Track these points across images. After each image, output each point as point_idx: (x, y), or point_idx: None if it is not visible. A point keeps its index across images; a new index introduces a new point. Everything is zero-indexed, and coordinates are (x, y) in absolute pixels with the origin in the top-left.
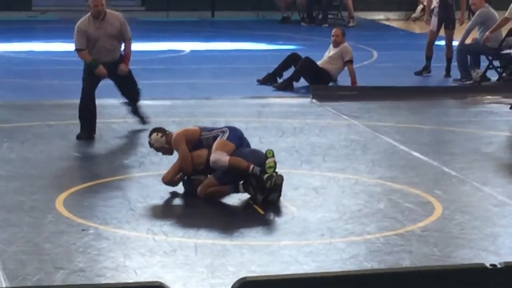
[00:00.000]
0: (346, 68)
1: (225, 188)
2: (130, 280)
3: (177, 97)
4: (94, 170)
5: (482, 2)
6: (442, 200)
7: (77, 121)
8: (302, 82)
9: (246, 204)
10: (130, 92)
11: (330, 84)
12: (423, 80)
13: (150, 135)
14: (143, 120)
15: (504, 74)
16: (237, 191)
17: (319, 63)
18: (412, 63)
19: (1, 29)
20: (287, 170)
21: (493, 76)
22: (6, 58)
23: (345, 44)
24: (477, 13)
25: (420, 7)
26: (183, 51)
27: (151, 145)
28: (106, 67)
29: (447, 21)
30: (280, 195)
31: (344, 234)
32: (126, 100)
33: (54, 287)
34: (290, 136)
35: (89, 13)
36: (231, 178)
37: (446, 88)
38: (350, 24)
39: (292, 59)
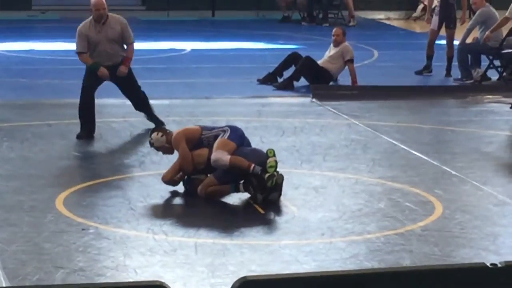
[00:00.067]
0: (346, 67)
1: (225, 188)
2: (130, 279)
3: (177, 96)
4: (94, 170)
5: (483, 1)
6: (443, 200)
7: (77, 121)
8: (303, 81)
9: (247, 204)
10: (133, 95)
11: (331, 83)
12: (424, 80)
13: (150, 134)
14: (161, 123)
15: (504, 74)
16: (237, 190)
17: (319, 62)
18: (412, 63)
19: (1, 29)
20: (287, 169)
21: (493, 75)
22: (6, 58)
23: (346, 43)
24: (477, 12)
25: (420, 6)
26: (183, 50)
27: (151, 144)
28: (108, 70)
29: (448, 20)
30: (280, 194)
31: (344, 233)
32: (139, 111)
33: (54, 286)
34: (290, 136)
35: (91, 17)
36: (231, 177)
37: (446, 88)
38: (351, 24)
39: (292, 58)
